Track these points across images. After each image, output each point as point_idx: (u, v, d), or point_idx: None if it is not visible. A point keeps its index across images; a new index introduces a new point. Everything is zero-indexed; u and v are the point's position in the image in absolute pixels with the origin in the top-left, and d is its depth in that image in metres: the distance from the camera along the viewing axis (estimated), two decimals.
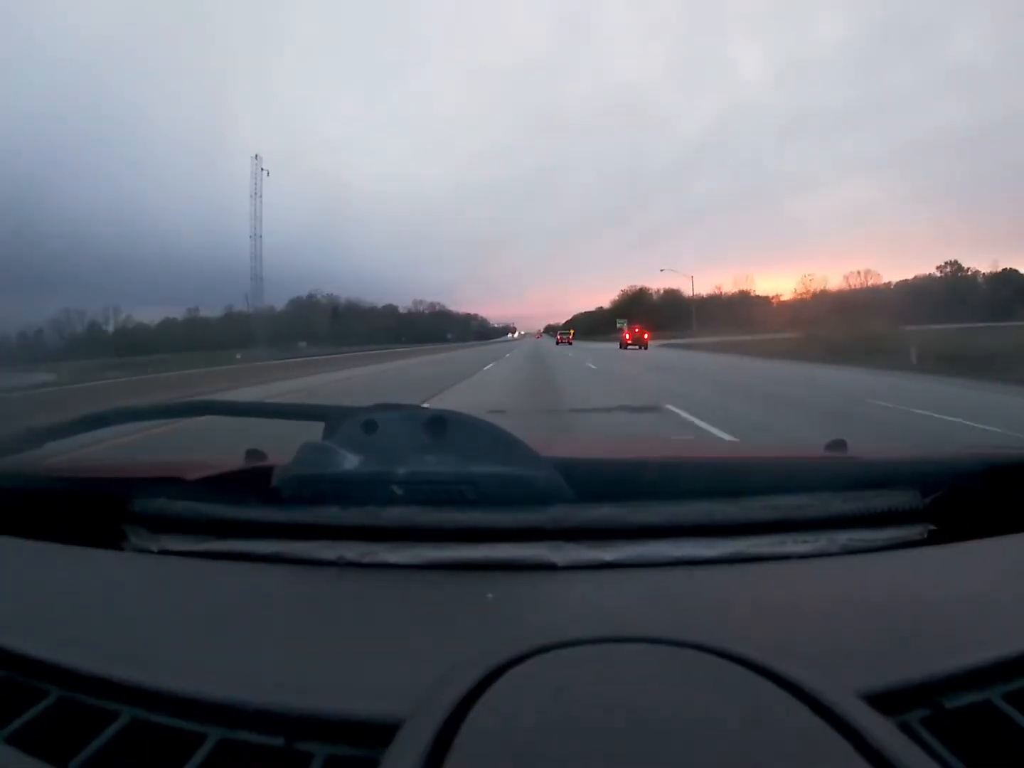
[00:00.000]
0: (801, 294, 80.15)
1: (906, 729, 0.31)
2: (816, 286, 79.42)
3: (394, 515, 0.52)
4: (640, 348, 30.08)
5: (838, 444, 0.77)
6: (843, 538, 0.54)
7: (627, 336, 32.59)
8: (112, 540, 0.60)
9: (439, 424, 0.54)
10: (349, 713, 0.33)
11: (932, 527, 0.56)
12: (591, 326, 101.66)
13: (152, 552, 0.58)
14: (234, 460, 0.76)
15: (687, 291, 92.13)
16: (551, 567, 0.50)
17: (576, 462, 0.61)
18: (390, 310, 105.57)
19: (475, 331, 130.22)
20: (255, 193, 48.89)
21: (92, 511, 0.62)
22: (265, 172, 49.27)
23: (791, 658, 0.33)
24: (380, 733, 0.30)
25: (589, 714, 0.30)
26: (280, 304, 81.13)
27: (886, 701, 0.32)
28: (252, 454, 0.80)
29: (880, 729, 0.28)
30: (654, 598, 0.46)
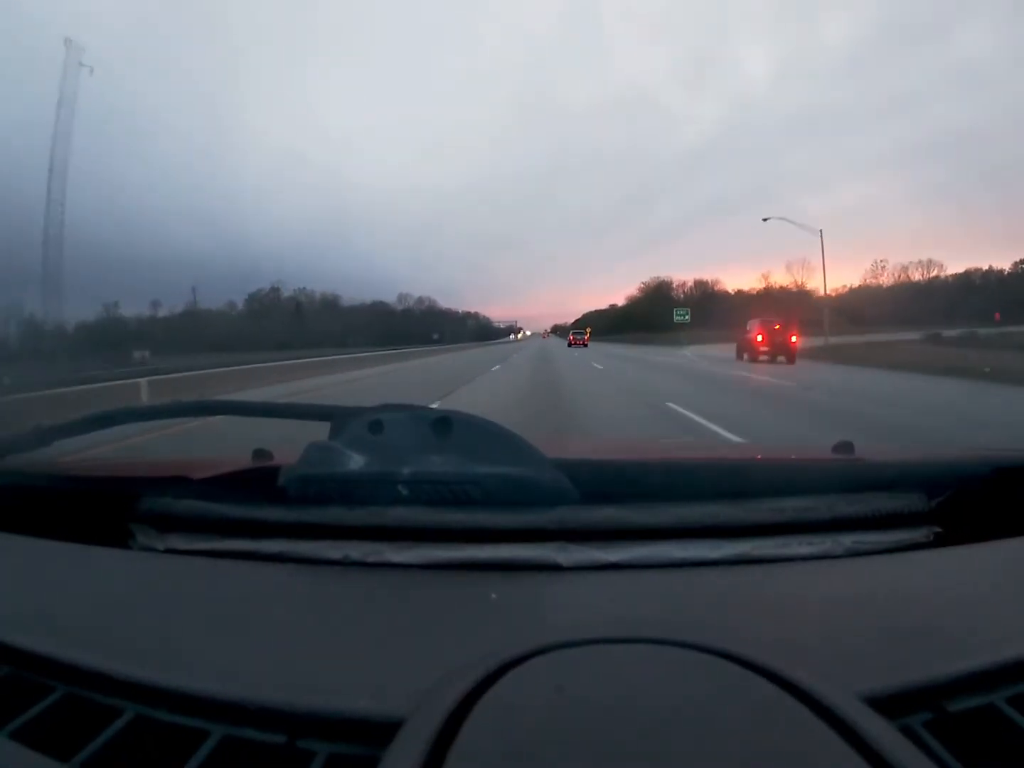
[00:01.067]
0: (870, 283, 71.31)
1: (908, 732, 0.31)
2: (887, 277, 70.36)
3: (399, 515, 0.52)
4: (785, 362, 16.45)
5: (844, 446, 0.76)
6: (848, 540, 0.53)
7: (759, 337, 17.60)
8: (119, 539, 0.60)
9: (445, 424, 0.54)
10: (351, 711, 0.33)
11: (938, 529, 0.56)
12: (606, 325, 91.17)
13: (158, 551, 0.58)
14: (241, 460, 0.77)
15: (724, 284, 79.08)
16: (555, 568, 0.50)
17: (581, 463, 0.61)
18: (378, 307, 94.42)
19: (473, 331, 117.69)
20: (63, 100, 32.97)
21: (99, 509, 0.62)
22: (88, 69, 33.37)
23: (794, 660, 0.33)
24: (382, 732, 0.30)
25: (590, 714, 0.30)
26: (240, 300, 71.68)
27: (889, 704, 0.32)
28: (259, 454, 0.80)
29: (882, 732, 0.28)
30: (658, 599, 0.46)
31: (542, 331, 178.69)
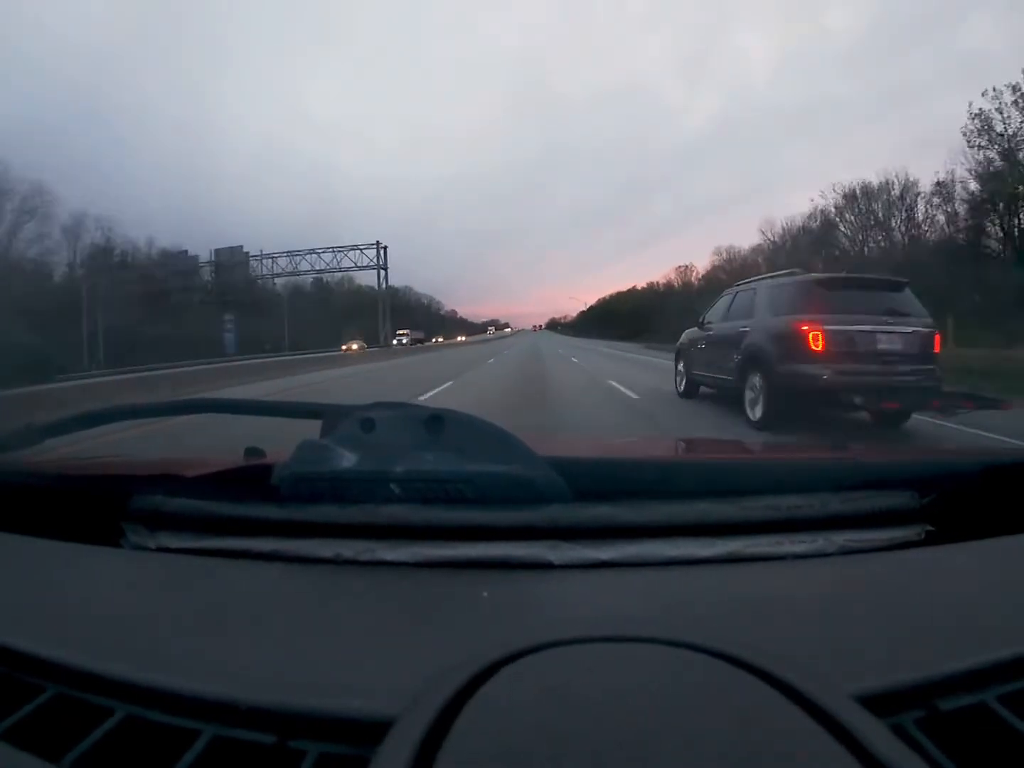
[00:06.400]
0: None
1: (900, 731, 0.31)
2: None
3: (392, 513, 0.52)
4: None
5: (837, 444, 0.77)
6: (840, 538, 0.54)
7: None
8: (109, 537, 0.60)
9: (437, 422, 0.54)
10: (342, 711, 0.33)
11: (929, 528, 0.56)
12: (640, 316, 45.55)
13: (149, 549, 0.58)
14: (233, 458, 0.77)
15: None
16: (548, 566, 0.50)
17: (574, 461, 0.61)
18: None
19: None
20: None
21: (90, 508, 0.62)
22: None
23: (786, 659, 0.33)
24: (372, 731, 0.30)
25: (582, 713, 0.30)
26: None
27: (880, 703, 0.32)
28: (251, 452, 0.80)
29: (873, 731, 0.28)
30: (650, 597, 0.46)
31: (532, 326, 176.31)
